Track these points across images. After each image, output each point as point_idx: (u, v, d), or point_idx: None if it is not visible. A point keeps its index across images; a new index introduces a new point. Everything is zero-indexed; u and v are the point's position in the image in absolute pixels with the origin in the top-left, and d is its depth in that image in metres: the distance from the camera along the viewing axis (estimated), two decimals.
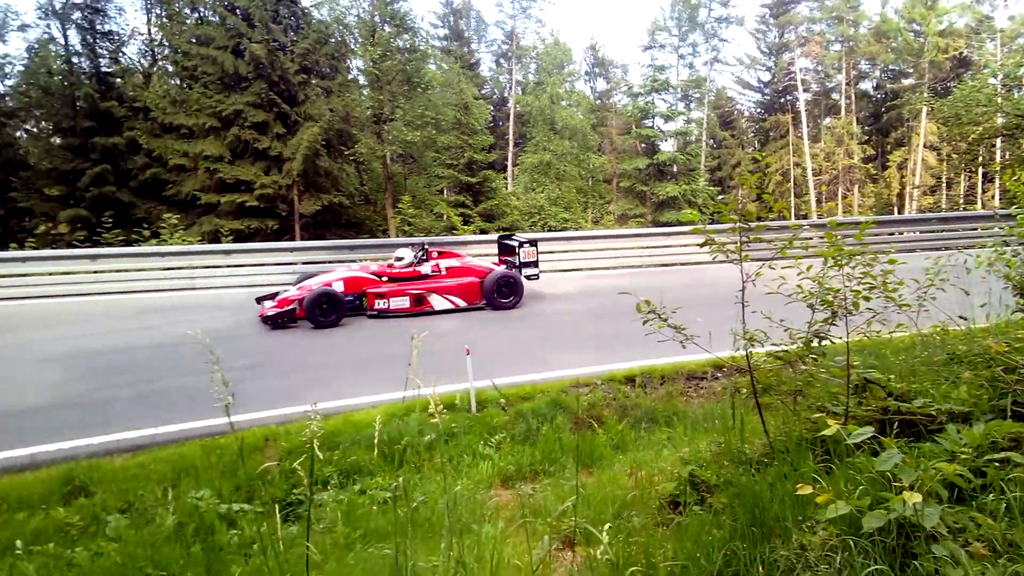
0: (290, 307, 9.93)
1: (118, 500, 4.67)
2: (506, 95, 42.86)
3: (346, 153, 25.86)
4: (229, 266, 14.91)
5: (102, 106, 23.28)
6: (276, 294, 10.43)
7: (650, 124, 36.41)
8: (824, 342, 3.85)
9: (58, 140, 24.40)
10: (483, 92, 39.26)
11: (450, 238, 17.57)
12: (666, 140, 37.63)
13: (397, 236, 23.74)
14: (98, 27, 24.72)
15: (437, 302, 10.81)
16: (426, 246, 11.53)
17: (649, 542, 2.86)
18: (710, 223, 4.40)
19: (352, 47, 26.07)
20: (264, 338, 9.70)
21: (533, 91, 37.39)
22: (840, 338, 3.73)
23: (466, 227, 23.19)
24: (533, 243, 11.91)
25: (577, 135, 34.94)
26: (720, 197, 35.56)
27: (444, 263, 11.24)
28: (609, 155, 40.76)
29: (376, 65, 24.53)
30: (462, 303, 10.89)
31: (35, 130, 25.98)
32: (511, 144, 38.75)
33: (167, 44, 26.46)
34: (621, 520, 3.28)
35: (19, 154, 23.56)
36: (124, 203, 23.07)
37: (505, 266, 11.78)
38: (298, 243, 20.59)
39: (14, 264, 14.04)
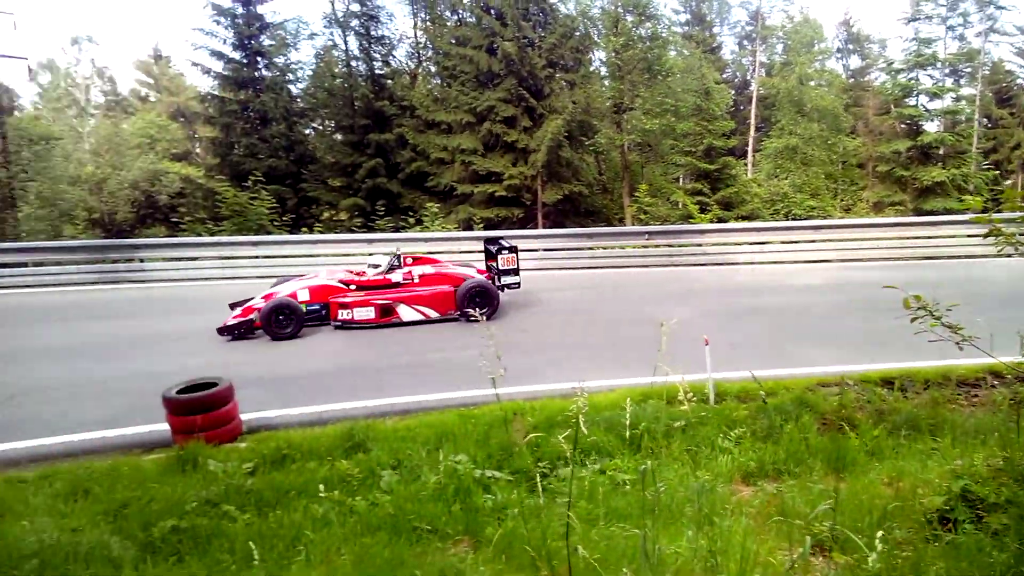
0: (249, 317, 9.77)
1: (390, 457, 5.16)
2: (749, 78, 41.62)
3: (586, 144, 27.28)
4: (481, 251, 16.21)
5: (375, 105, 26.94)
6: (247, 300, 10.17)
7: (913, 103, 33.16)
8: None
9: (339, 137, 28.43)
10: (724, 76, 38.52)
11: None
12: (931, 120, 34.15)
13: (633, 224, 24.30)
14: (372, 33, 28.44)
15: (405, 312, 10.46)
16: (400, 252, 11.18)
17: (918, 557, 2.75)
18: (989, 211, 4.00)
19: (595, 39, 26.75)
20: (512, 318, 10.54)
21: (779, 72, 35.99)
22: None
23: (703, 215, 23.19)
24: (513, 249, 11.27)
25: (827, 117, 33.03)
26: (1009, 182, 31.51)
27: (417, 270, 10.83)
28: (864, 137, 38.03)
29: (618, 55, 25.34)
30: (434, 314, 10.56)
31: (320, 128, 29.57)
32: (752, 129, 37.73)
33: (430, 46, 29.24)
34: (883, 531, 3.11)
35: (308, 149, 27.37)
36: (393, 193, 26.46)
37: (487, 273, 11.31)
38: (541, 231, 21.78)
39: (306, 246, 16.85)
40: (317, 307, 10.17)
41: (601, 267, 15.96)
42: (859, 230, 16.84)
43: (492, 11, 26.45)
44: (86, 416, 6.60)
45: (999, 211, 3.89)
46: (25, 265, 15.67)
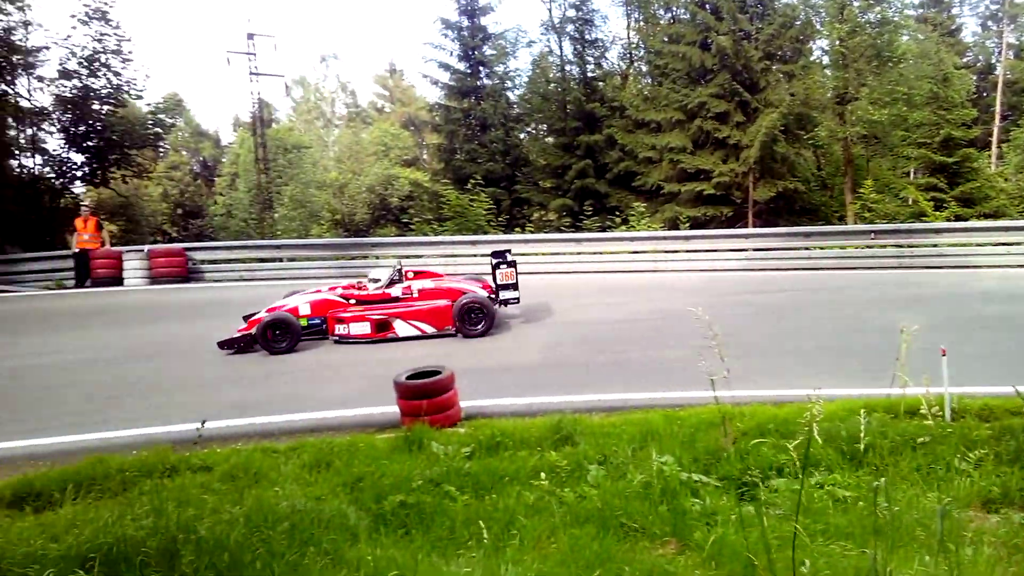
0: (250, 331, 9.92)
1: (596, 452, 5.19)
2: (994, 61, 37.00)
3: (804, 137, 26.38)
4: (687, 251, 16.28)
5: (587, 107, 28.76)
6: (256, 313, 10.29)
7: None
8: None
9: (551, 140, 29.80)
10: (964, 60, 34.85)
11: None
12: None
13: (855, 223, 22.91)
14: (586, 36, 30.36)
15: (401, 328, 10.33)
16: (401, 267, 11.20)
17: None
18: None
19: (817, 27, 25.66)
20: (729, 317, 10.33)
21: None
22: None
23: (938, 213, 21.39)
24: (512, 263, 11.03)
25: None
26: None
27: (417, 285, 10.75)
28: None
29: (843, 43, 24.08)
30: (430, 329, 10.38)
31: (533, 132, 31.12)
32: (997, 117, 33.66)
33: (642, 46, 29.74)
34: None
35: (522, 153, 29.24)
36: (601, 193, 27.99)
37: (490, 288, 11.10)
38: (750, 230, 21.38)
39: (519, 245, 17.81)
40: (318, 321, 10.39)
41: (818, 268, 15.51)
42: None
43: (707, 6, 27.23)
44: (328, 395, 7.69)
45: None
46: (280, 260, 18.22)
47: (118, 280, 16.64)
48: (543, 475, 4.77)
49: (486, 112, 29.12)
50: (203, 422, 5.37)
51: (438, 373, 6.40)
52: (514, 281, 10.97)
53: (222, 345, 9.86)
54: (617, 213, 23.32)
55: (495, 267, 11.00)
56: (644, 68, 31.28)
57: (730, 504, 4.27)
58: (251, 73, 34.83)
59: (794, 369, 7.90)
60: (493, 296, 10.84)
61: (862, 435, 3.83)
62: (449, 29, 29.93)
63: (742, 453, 5.04)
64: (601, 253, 17.67)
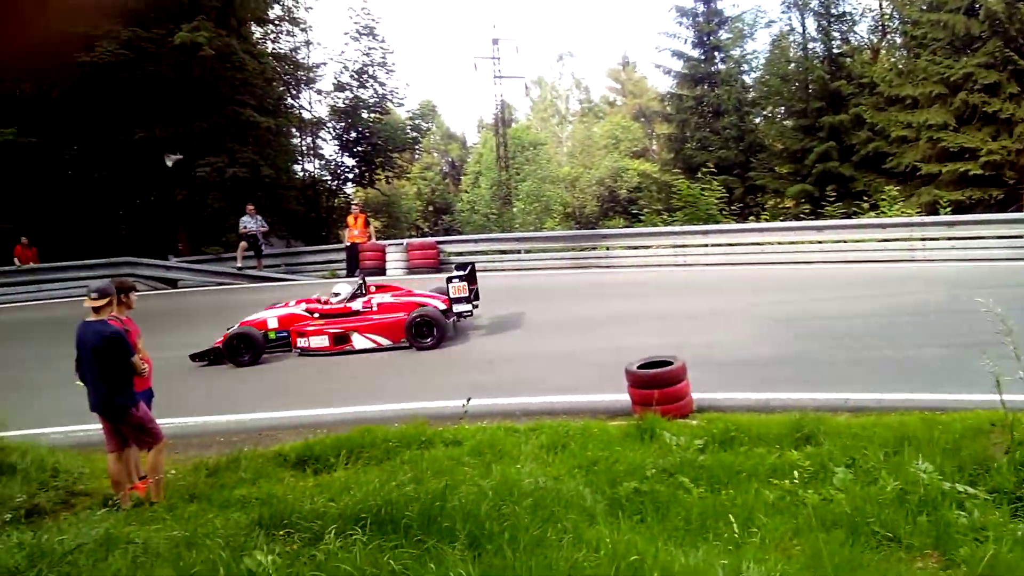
0: (219, 344, 10.37)
1: (842, 455, 5.03)
2: None
3: None
4: (949, 238, 15.06)
5: (831, 86, 28.41)
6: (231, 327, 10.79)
7: None
8: None
9: (789, 123, 29.37)
10: None
11: None
12: None
13: None
14: (832, 10, 29.47)
15: (358, 341, 10.69)
16: (363, 281, 11.55)
17: None
18: None
19: None
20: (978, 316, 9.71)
21: None
22: None
23: None
24: (464, 277, 11.05)
25: None
26: None
27: (378, 298, 11.04)
28: None
29: None
30: (386, 342, 10.69)
31: (770, 115, 30.20)
32: None
33: (896, 16, 27.59)
34: None
35: (757, 138, 28.94)
36: (845, 177, 27.38)
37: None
38: None
39: (753, 234, 18.27)
40: (285, 334, 10.80)
41: None
42: None
43: None
44: (560, 381, 8.15)
45: None
46: (518, 252, 19.55)
47: (382, 270, 18.93)
48: (794, 473, 4.71)
49: (720, 98, 29.43)
50: (468, 399, 6.24)
51: (670, 363, 6.58)
52: (466, 295, 10.94)
53: (194, 357, 10.50)
54: (865, 198, 22.19)
55: (447, 282, 11.07)
56: (898, 40, 29.06)
57: (1003, 519, 4.01)
58: (495, 76, 37.71)
59: None
60: (447, 310, 11.02)
61: None
62: (684, 16, 30.86)
63: (1017, 465, 4.66)
64: (845, 241, 16.93)
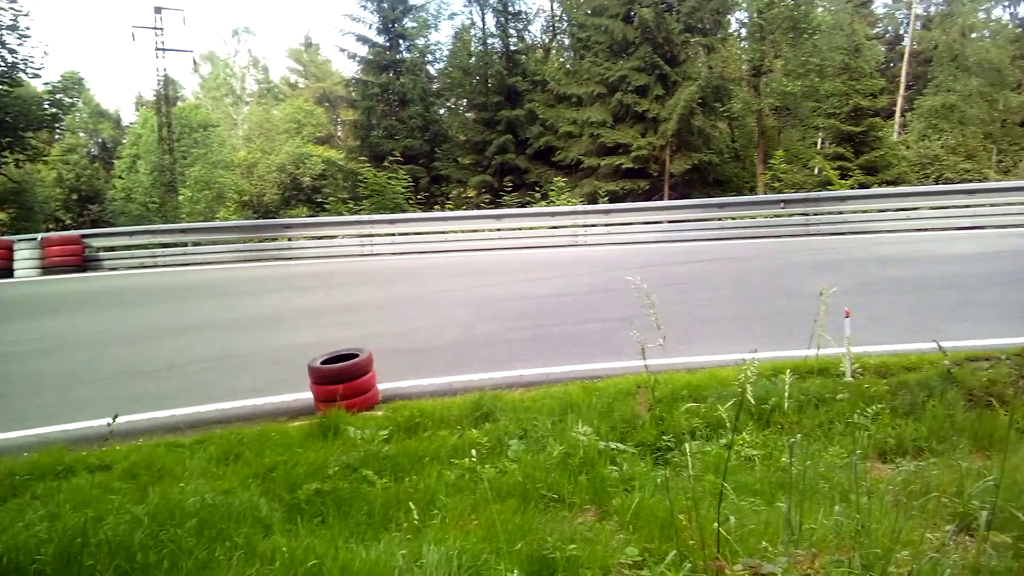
0: None
1: (517, 427, 5.31)
2: (902, 32, 39.28)
3: (720, 110, 27.71)
4: (607, 225, 16.67)
5: (508, 82, 29.74)
6: None
7: None
8: None
9: (471, 115, 30.28)
10: (875, 32, 36.58)
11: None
12: None
13: (765, 192, 24.04)
14: (509, 8, 31.03)
15: None
16: None
17: None
18: None
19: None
20: (637, 292, 10.89)
21: (939, 24, 33.80)
22: None
23: (843, 181, 22.68)
24: None
25: (990, 71, 30.64)
26: None
27: None
28: None
29: (762, 14, 24.90)
30: None
31: (453, 107, 31.19)
32: (902, 87, 36.01)
33: (566, 18, 29.93)
34: None
35: (441, 128, 29.54)
36: (521, 169, 28.87)
37: None
38: (667, 202, 21.88)
39: (438, 223, 18.15)
40: None
41: (731, 239, 16.20)
42: (1021, 193, 15.87)
43: None
44: (237, 384, 7.46)
45: None
46: (185, 245, 17.75)
47: (7, 271, 15.94)
48: (472, 452, 4.73)
49: (405, 87, 29.36)
50: (115, 417, 5.29)
51: (356, 356, 6.38)
52: None
53: None
54: (537, 188, 23.78)
55: None
56: (567, 41, 31.74)
57: (646, 469, 4.50)
58: (157, 48, 33.64)
59: (708, 336, 8.22)
60: None
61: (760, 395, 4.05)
62: (368, 1, 29.91)
63: (657, 419, 5.25)
64: (521, 229, 17.89)
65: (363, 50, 30.62)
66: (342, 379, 6.17)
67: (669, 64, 26.94)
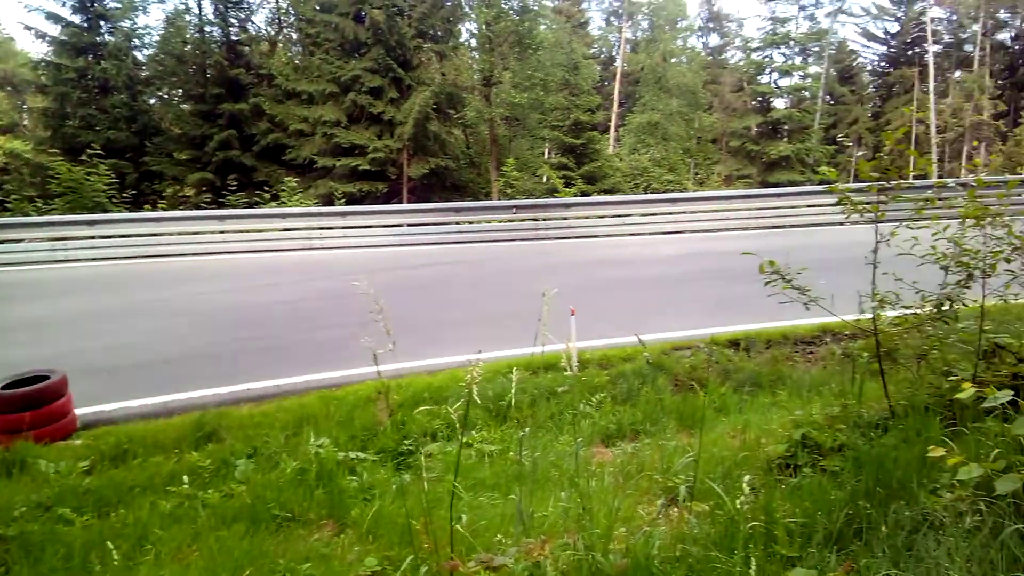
0: None
1: (245, 446, 5.12)
2: (614, 54, 43.53)
3: (454, 117, 27.89)
4: (344, 227, 16.20)
5: (230, 73, 27.54)
6: None
7: (764, 80, 36.15)
8: (956, 306, 3.95)
9: (188, 107, 27.72)
10: (592, 52, 40.19)
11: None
12: (781, 97, 37.63)
13: (499, 199, 25.01)
14: None
15: None
16: None
17: (766, 500, 2.98)
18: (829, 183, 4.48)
19: (467, 10, 27.29)
20: (385, 292, 10.56)
21: (644, 48, 37.93)
22: (974, 301, 3.86)
23: (568, 189, 24.30)
24: None
25: (686, 93, 35.32)
26: (860, 154, 34.81)
27: None
28: (719, 114, 40.98)
29: (489, 27, 25.80)
30: None
31: (167, 97, 28.56)
32: (616, 104, 39.85)
33: (293, 12, 28.76)
34: (731, 480, 3.38)
35: (153, 120, 26.78)
36: (247, 167, 27.08)
37: None
38: (405, 206, 21.93)
39: (150, 224, 16.38)
40: None
41: (469, 242, 16.54)
42: (712, 202, 18.18)
43: None
44: None
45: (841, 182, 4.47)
46: None
47: None
48: (183, 478, 4.52)
49: (107, 72, 25.86)
50: None
51: (46, 378, 5.62)
52: None
53: None
54: (267, 188, 22.31)
55: None
56: (295, 36, 30.34)
57: (388, 476, 4.48)
58: None
59: (448, 338, 8.22)
60: None
61: (491, 394, 4.29)
62: None
63: (398, 424, 5.27)
64: (249, 231, 16.64)
65: (55, 30, 26.48)
66: (30, 405, 5.42)
67: (403, 68, 26.77)
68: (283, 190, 21.06)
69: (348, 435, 5.22)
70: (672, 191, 30.37)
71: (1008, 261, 3.73)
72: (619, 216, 17.80)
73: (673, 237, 16.55)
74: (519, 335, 6.25)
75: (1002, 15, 43.58)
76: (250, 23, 30.18)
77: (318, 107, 26.95)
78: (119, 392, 6.60)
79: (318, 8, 27.97)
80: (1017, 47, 44.29)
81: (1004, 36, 44.93)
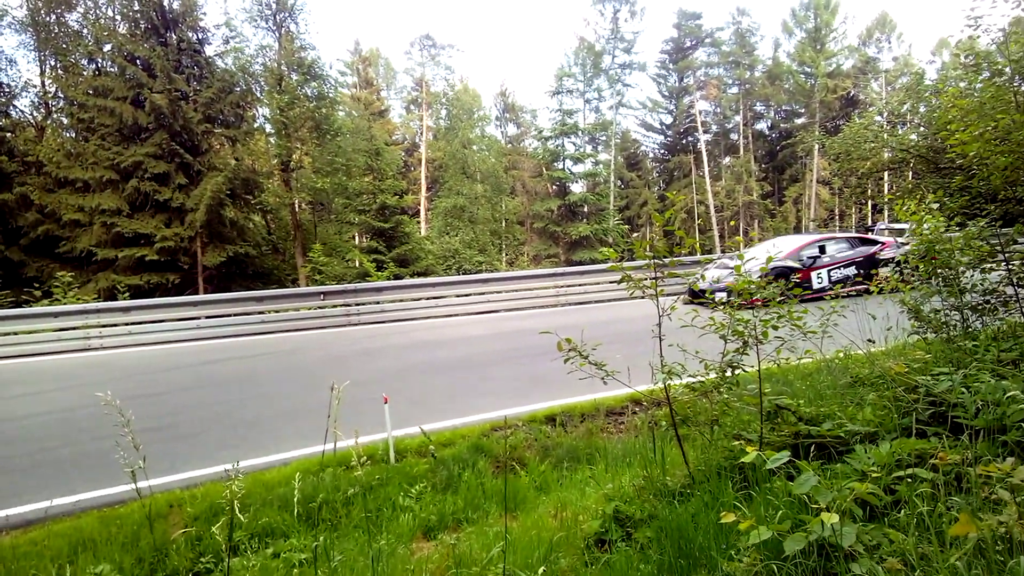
0: None
1: None
2: (417, 140, 44.72)
3: (252, 202, 27.11)
4: (128, 323, 14.90)
5: None
6: None
7: (560, 167, 38.75)
8: (737, 371, 4.25)
9: None
10: (394, 138, 41.00)
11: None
12: (576, 182, 41.08)
13: (307, 285, 24.35)
14: None
15: None
16: None
17: None
18: (624, 260, 4.73)
19: (258, 95, 26.68)
20: (170, 398, 9.72)
21: (444, 136, 39.38)
22: (752, 367, 4.10)
23: (380, 273, 24.10)
24: None
25: (490, 179, 37.00)
26: (636, 235, 37.76)
27: None
28: (522, 197, 43.24)
29: (283, 113, 25.75)
30: None
31: None
32: (423, 188, 40.87)
33: (62, 96, 26.66)
34: (548, 563, 3.41)
35: None
36: (14, 262, 24.18)
37: None
38: (201, 297, 20.55)
39: None
40: None
41: (274, 332, 15.59)
42: (521, 281, 18.59)
43: (138, 61, 25.68)
44: None
45: (632, 259, 4.59)
46: None
47: None
48: None
49: None
50: None
51: None
52: None
53: None
54: (36, 284, 20.02)
55: None
56: (65, 120, 28.09)
57: None
58: None
59: (252, 438, 7.62)
60: None
61: (298, 498, 3.94)
62: None
63: (192, 540, 4.84)
64: (15, 333, 14.69)
65: None
66: None
67: (191, 153, 25.38)
68: (56, 286, 18.99)
69: (134, 558, 4.76)
70: (483, 271, 31.18)
71: (776, 328, 4.04)
72: (433, 298, 17.74)
73: (486, 316, 16.71)
74: (331, 427, 5.92)
75: (759, 107, 50.14)
76: (12, 108, 27.39)
77: (95, 195, 24.56)
78: None
79: (91, 92, 25.83)
80: (774, 135, 50.62)
81: (762, 126, 51.17)
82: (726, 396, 4.20)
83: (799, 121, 47.36)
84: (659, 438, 4.80)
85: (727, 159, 49.64)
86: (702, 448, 4.20)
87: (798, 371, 5.26)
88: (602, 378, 4.04)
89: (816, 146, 42.74)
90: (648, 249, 4.14)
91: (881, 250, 14.87)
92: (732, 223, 45.30)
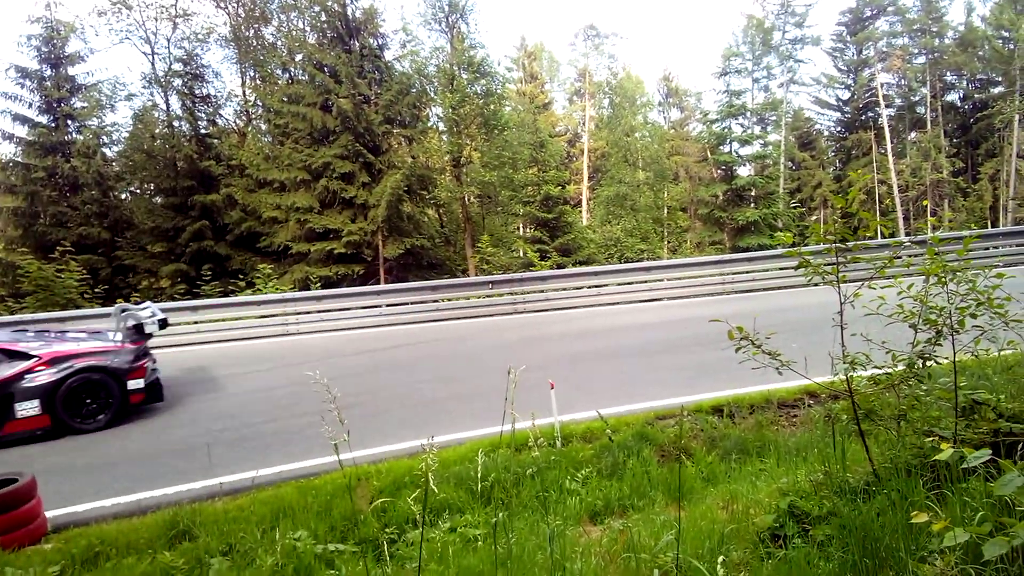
0: None
1: (220, 543, 4.93)
2: (580, 131, 44.69)
3: (427, 197, 28.24)
4: (320, 311, 15.98)
5: (201, 165, 27.16)
6: None
7: (727, 150, 37.09)
8: (929, 363, 3.88)
9: (159, 200, 27.33)
10: (557, 130, 41.29)
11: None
12: (744, 165, 39.04)
13: (476, 274, 25.02)
14: (197, 92, 28.88)
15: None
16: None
17: None
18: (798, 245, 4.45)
19: (432, 95, 27.75)
20: (357, 379, 10.28)
21: (607, 125, 38.93)
22: (946, 358, 3.78)
23: (544, 262, 24.37)
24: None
25: (652, 165, 36.19)
26: (814, 218, 35.55)
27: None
28: (685, 183, 41.83)
29: (455, 111, 26.38)
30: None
31: (138, 191, 28.47)
32: (585, 178, 40.69)
33: (260, 104, 29.10)
34: (721, 555, 3.29)
35: (124, 215, 26.31)
36: (221, 256, 26.58)
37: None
38: (383, 286, 21.67)
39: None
40: None
41: (447, 319, 16.32)
42: (685, 269, 18.18)
43: (326, 69, 27.51)
44: None
45: (806, 244, 4.30)
46: None
47: None
48: None
49: (77, 170, 25.55)
50: None
51: (14, 481, 5.39)
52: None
53: None
54: (241, 276, 22.01)
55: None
56: (264, 126, 30.68)
57: (365, 568, 4.18)
58: None
59: (431, 418, 8.04)
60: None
61: (477, 476, 4.18)
62: (26, 78, 25.82)
63: (379, 512, 5.10)
64: (224, 320, 16.27)
65: (22, 131, 26.14)
66: None
67: (373, 153, 26.64)
68: (258, 277, 20.75)
69: (327, 526, 5.04)
70: (645, 259, 30.72)
71: (975, 316, 3.63)
72: (595, 287, 17.74)
73: (649, 305, 16.51)
74: (500, 411, 6.04)
75: (949, 78, 45.60)
76: (219, 116, 30.09)
77: (290, 194, 26.58)
78: (92, 492, 6.31)
79: (286, 99, 27.93)
80: (967, 107, 45.84)
81: (953, 97, 46.38)
82: (915, 390, 3.85)
83: (996, 90, 42.41)
84: (838, 432, 4.52)
85: (912, 134, 45.34)
86: (887, 444, 3.92)
87: (999, 363, 4.75)
88: (777, 368, 3.84)
89: (1016, 117, 38.53)
90: (828, 233, 3.86)
91: None
92: (923, 203, 41.35)
